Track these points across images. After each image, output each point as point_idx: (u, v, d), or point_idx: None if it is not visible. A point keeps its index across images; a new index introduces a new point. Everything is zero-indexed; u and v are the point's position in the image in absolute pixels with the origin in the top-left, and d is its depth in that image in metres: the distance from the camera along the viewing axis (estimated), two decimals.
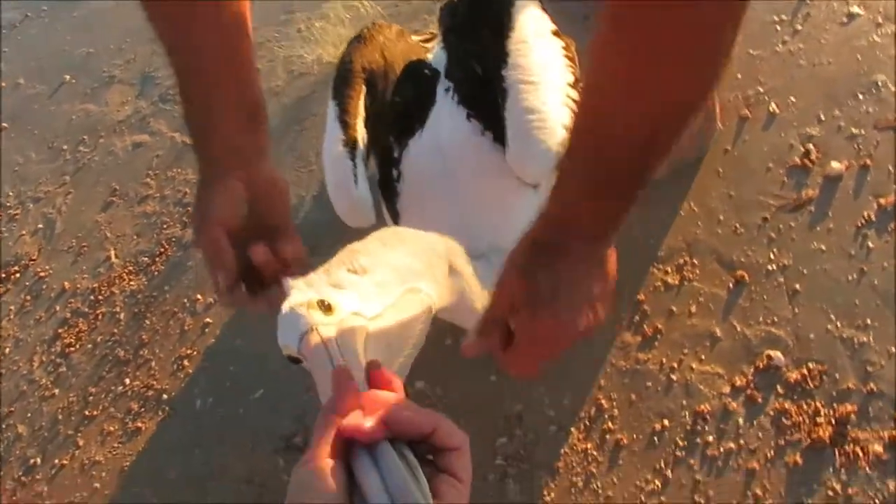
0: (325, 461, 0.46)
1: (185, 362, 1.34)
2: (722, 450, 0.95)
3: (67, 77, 2.09)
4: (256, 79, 0.70)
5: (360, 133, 1.09)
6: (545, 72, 0.98)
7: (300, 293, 0.76)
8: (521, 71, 0.97)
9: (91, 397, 1.37)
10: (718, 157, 1.19)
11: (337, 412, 0.49)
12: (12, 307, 1.59)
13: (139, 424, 1.30)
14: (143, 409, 1.31)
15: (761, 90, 1.25)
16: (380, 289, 0.76)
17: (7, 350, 1.51)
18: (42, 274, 1.62)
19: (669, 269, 1.11)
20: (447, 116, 1.01)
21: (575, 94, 1.05)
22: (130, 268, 1.54)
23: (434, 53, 1.32)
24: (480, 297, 0.91)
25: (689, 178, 1.19)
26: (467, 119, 0.98)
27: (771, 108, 1.22)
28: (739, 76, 1.27)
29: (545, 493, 0.99)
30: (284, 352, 0.72)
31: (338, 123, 1.09)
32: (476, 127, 0.98)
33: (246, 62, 0.69)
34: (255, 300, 0.71)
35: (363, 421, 0.47)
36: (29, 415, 1.40)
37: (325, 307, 0.71)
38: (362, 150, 1.08)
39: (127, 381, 1.36)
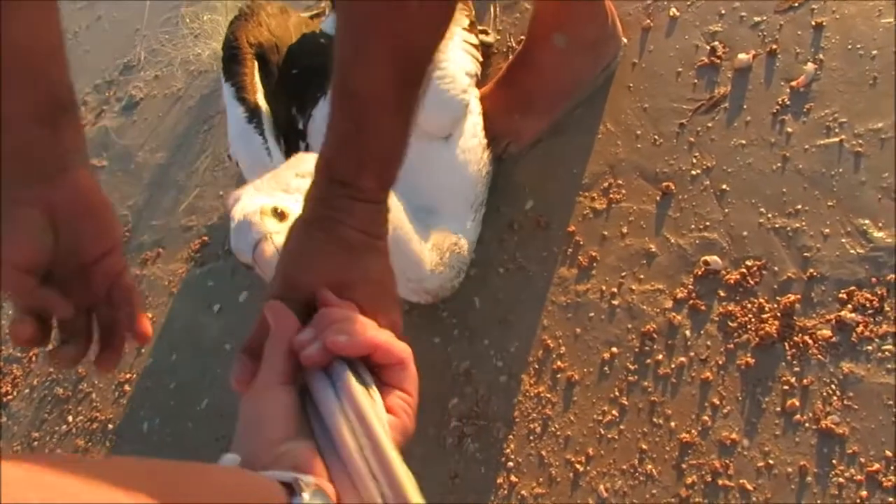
0: (276, 387, 0.45)
1: (126, 387, 1.28)
2: (673, 366, 0.91)
3: None
4: (63, 74, 0.57)
5: (263, 107, 1.06)
6: None
7: (251, 199, 0.76)
8: None
9: (36, 442, 1.30)
10: (627, 72, 1.15)
11: (279, 337, 0.48)
12: None
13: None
14: (90, 444, 1.25)
15: None
16: None
17: None
18: None
19: (595, 195, 1.07)
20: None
21: (472, 38, 1.00)
22: None
23: (327, 23, 1.27)
24: (417, 242, 0.87)
25: (601, 99, 1.14)
26: None
27: (671, 13, 1.17)
28: None
29: (504, 446, 0.95)
30: (239, 258, 0.72)
31: (237, 102, 1.06)
32: None
33: (50, 53, 0.56)
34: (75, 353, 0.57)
35: (313, 345, 0.46)
36: None
37: (279, 214, 0.73)
38: (269, 123, 1.05)
39: (70, 418, 1.30)
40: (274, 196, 0.75)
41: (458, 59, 0.96)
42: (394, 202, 0.82)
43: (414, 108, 0.53)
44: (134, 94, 1.72)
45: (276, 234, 0.70)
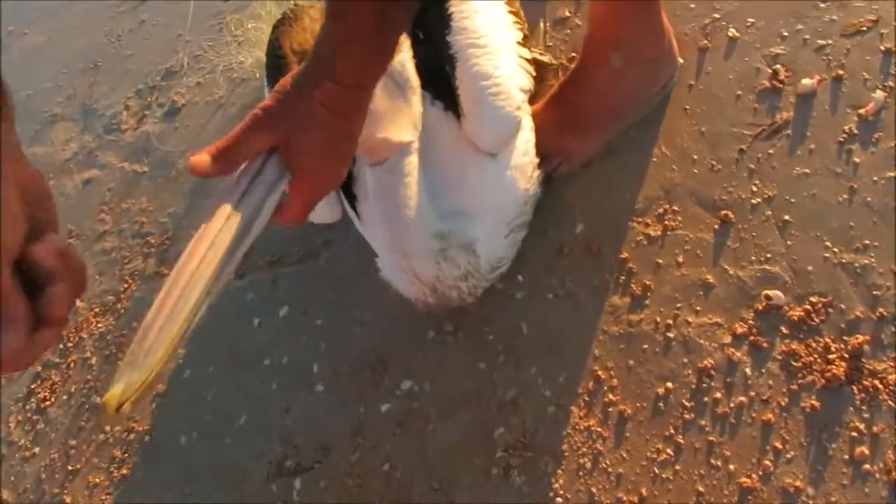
0: None
1: (163, 399, 1.27)
2: (732, 405, 0.88)
3: None
4: None
5: None
6: (493, 33, 0.91)
7: None
8: (468, 34, 0.91)
9: (73, 451, 1.30)
10: (683, 94, 1.12)
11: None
12: None
13: (125, 471, 1.23)
14: (126, 455, 1.24)
15: (717, 16, 1.17)
16: None
17: None
18: None
19: (650, 221, 1.04)
20: (387, 88, 0.93)
21: (527, 53, 0.98)
22: (96, 309, 1.47)
23: None
24: (410, 209, 0.85)
25: (655, 122, 1.11)
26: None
27: (730, 34, 1.14)
28: (693, 6, 1.19)
29: (552, 480, 0.92)
30: None
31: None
32: (427, 97, 0.90)
33: None
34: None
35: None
36: (12, 479, 1.33)
37: None
38: None
39: (107, 427, 1.29)
40: None
41: (512, 74, 0.93)
42: (413, 169, 0.83)
43: (395, 31, 0.65)
44: (176, 100, 1.72)
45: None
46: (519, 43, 0.98)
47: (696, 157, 1.06)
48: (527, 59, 0.98)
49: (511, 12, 1.00)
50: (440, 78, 0.91)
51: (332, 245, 1.28)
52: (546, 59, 1.22)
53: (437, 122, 0.92)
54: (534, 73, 1.01)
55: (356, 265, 1.22)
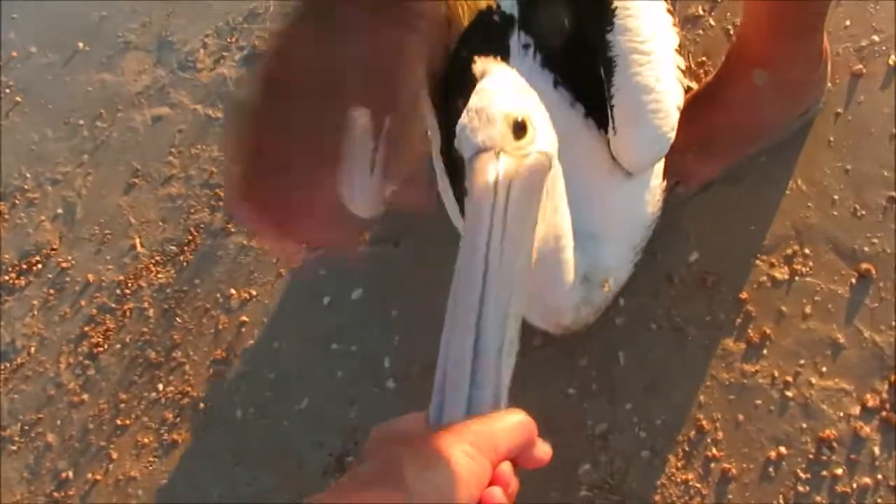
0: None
1: (222, 366, 1.22)
2: (855, 486, 0.80)
3: (81, 44, 1.93)
4: None
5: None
6: (657, 37, 0.81)
7: (502, 87, 0.66)
8: (633, 36, 0.81)
9: (122, 405, 1.26)
10: (828, 122, 1.01)
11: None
12: (35, 302, 1.48)
13: (175, 437, 1.19)
14: (178, 420, 1.20)
15: (877, 39, 1.05)
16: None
17: (32, 350, 1.41)
18: (64, 265, 1.50)
19: (776, 261, 0.95)
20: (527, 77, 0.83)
21: (682, 63, 0.88)
22: (157, 258, 1.42)
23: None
24: (569, 256, 0.77)
25: (794, 149, 1.01)
26: (554, 87, 0.82)
27: (891, 62, 1.03)
28: (848, 23, 1.08)
29: None
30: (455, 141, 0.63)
31: None
32: (565, 97, 0.82)
33: None
34: None
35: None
36: (58, 423, 1.30)
37: (520, 127, 0.61)
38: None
39: (160, 386, 1.25)
40: (528, 99, 0.65)
41: (671, 89, 0.84)
42: (561, 201, 0.73)
43: None
44: (257, 44, 1.64)
45: (506, 157, 0.59)
46: (675, 50, 0.88)
47: (836, 197, 0.96)
48: (682, 70, 0.89)
49: (669, 11, 0.89)
50: (586, 79, 0.82)
51: (413, 231, 1.20)
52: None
53: (573, 129, 0.83)
54: (686, 86, 0.91)
55: (440, 258, 1.14)
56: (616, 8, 0.80)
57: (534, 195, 0.61)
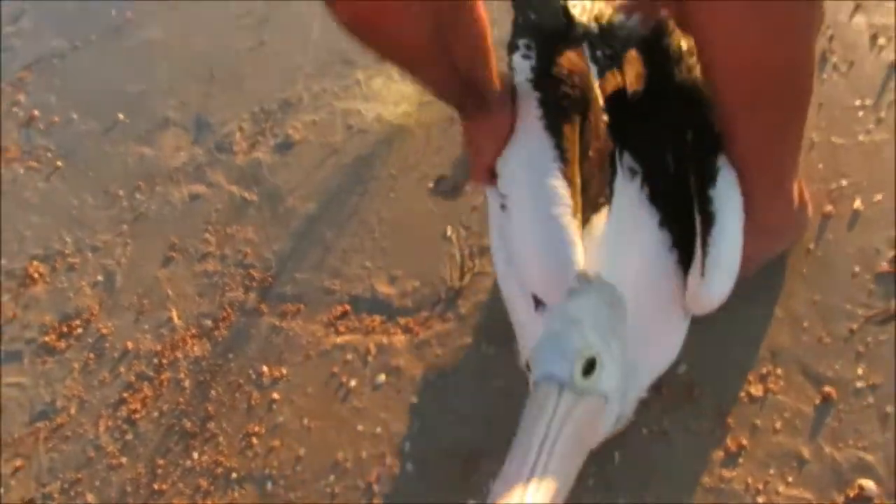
0: None
1: (254, 440, 1.34)
2: None
3: (121, 116, 2.09)
4: None
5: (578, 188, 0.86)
6: (738, 198, 0.90)
7: (577, 320, 0.69)
8: (732, 195, 0.88)
9: (159, 470, 1.38)
10: (802, 257, 1.17)
11: None
12: (76, 364, 1.61)
13: (209, 503, 1.31)
14: (212, 488, 1.32)
15: (845, 184, 1.21)
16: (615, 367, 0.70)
17: (72, 411, 1.53)
18: (104, 331, 1.63)
19: (753, 379, 1.10)
20: (631, 208, 0.87)
21: None
22: (193, 331, 1.55)
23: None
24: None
25: (773, 278, 1.16)
26: (660, 226, 0.87)
27: (855, 205, 1.19)
28: (821, 166, 1.24)
29: None
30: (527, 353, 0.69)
31: (552, 171, 0.84)
32: (667, 240, 0.87)
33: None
34: None
35: None
36: (97, 483, 1.41)
37: (590, 364, 0.67)
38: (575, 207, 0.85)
39: (195, 455, 1.37)
40: (604, 335, 0.67)
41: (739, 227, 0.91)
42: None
43: None
44: (290, 134, 1.79)
45: (570, 394, 0.63)
46: None
47: (806, 324, 1.11)
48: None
49: None
50: (684, 225, 0.87)
51: (432, 325, 1.34)
52: None
53: (665, 271, 0.88)
54: None
55: (461, 348, 1.28)
56: (721, 168, 0.88)
57: (583, 439, 0.65)
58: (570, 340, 0.65)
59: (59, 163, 2.06)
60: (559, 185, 0.82)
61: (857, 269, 1.13)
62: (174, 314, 1.59)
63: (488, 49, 0.84)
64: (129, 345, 1.58)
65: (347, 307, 1.44)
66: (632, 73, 0.91)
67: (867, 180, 1.20)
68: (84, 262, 1.79)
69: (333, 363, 1.37)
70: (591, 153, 0.85)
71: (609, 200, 0.86)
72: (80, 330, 1.65)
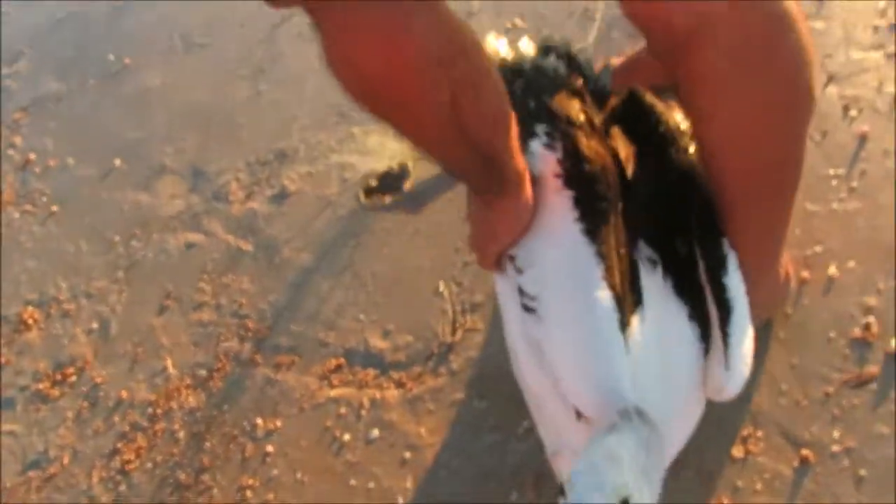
0: None
1: (248, 493, 1.37)
2: None
3: (118, 162, 2.12)
4: None
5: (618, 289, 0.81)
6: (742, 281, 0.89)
7: (619, 459, 0.67)
8: (740, 281, 0.87)
9: None
10: (780, 320, 1.22)
11: None
12: (69, 413, 1.62)
13: None
14: None
15: (819, 250, 1.28)
16: None
17: (66, 461, 1.55)
18: (98, 380, 1.65)
19: (734, 440, 1.14)
20: (663, 304, 0.84)
21: None
22: (188, 381, 1.57)
23: None
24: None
25: (754, 342, 1.21)
26: (689, 320, 0.84)
27: (830, 272, 1.25)
28: (798, 232, 1.30)
29: None
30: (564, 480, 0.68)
31: (601, 274, 0.79)
32: (696, 333, 0.84)
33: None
34: None
35: None
36: None
37: (623, 502, 0.66)
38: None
39: None
40: (639, 478, 0.67)
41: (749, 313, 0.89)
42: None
43: None
44: (286, 184, 1.83)
45: None
46: None
47: (785, 387, 1.16)
48: None
49: None
50: (706, 316, 0.86)
51: (425, 383, 1.38)
52: None
53: (696, 365, 0.88)
54: None
55: (454, 403, 1.32)
56: (729, 255, 0.86)
57: None
58: (607, 476, 0.66)
59: (54, 207, 2.09)
60: (606, 298, 0.78)
61: (832, 334, 1.19)
62: (169, 363, 1.61)
63: (509, 117, 0.77)
64: (124, 394, 1.60)
65: (342, 360, 1.47)
66: (623, 154, 0.90)
67: (841, 247, 1.27)
68: (79, 308, 1.81)
69: (327, 416, 1.40)
70: (621, 251, 0.81)
71: (640, 299, 0.82)
72: (74, 378, 1.67)
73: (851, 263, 1.24)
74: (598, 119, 0.92)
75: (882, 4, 1.54)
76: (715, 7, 0.73)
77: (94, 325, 1.76)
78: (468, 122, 0.71)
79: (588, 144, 0.86)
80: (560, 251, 0.84)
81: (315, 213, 1.75)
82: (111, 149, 2.18)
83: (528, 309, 0.83)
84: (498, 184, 0.81)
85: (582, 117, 0.90)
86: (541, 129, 0.88)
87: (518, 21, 1.89)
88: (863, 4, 1.56)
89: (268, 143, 1.95)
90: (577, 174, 0.84)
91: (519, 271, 0.86)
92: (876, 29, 1.51)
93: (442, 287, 1.48)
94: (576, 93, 0.96)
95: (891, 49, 1.46)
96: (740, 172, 0.90)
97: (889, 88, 1.41)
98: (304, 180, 1.83)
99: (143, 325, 1.71)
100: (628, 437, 0.71)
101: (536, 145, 0.87)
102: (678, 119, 0.93)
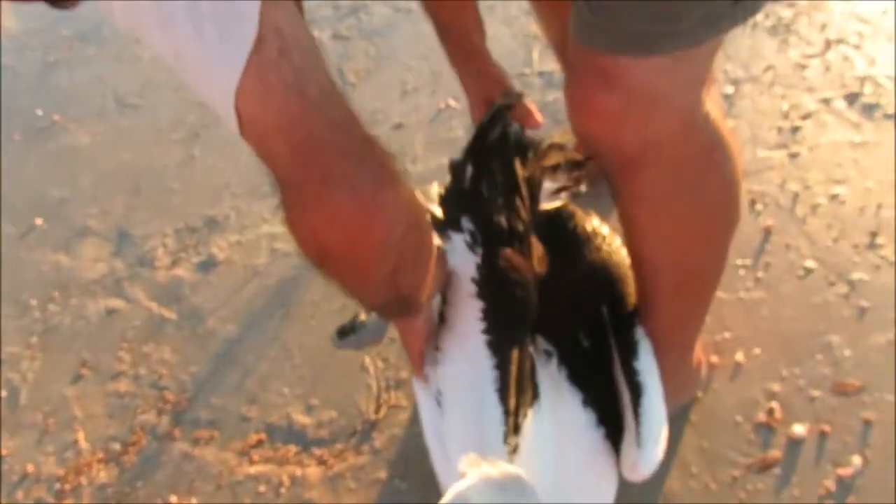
0: None
1: None
2: None
3: (39, 221, 2.07)
4: None
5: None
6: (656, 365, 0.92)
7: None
8: (652, 365, 0.90)
9: None
10: (691, 404, 1.28)
11: None
12: None
13: None
14: None
15: (728, 336, 1.35)
16: None
17: None
18: (3, 452, 1.57)
19: None
20: (555, 391, 0.87)
21: None
22: (100, 455, 1.51)
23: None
24: None
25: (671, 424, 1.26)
26: (583, 406, 0.88)
27: (737, 358, 1.31)
28: (708, 319, 1.36)
29: None
30: None
31: (496, 380, 0.83)
32: (592, 418, 0.88)
33: None
34: None
35: None
36: None
37: None
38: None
39: None
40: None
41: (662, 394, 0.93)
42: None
43: None
44: (215, 252, 1.82)
45: None
46: None
47: (695, 470, 1.21)
48: None
49: None
50: (606, 399, 0.89)
51: (347, 453, 1.37)
52: None
53: (594, 449, 0.90)
54: None
55: (375, 482, 1.31)
56: (639, 342, 0.91)
57: None
58: None
59: None
60: (494, 411, 0.81)
61: (738, 418, 1.25)
62: (81, 436, 1.55)
63: (433, 272, 0.84)
64: (30, 468, 1.52)
65: (263, 435, 1.45)
66: (534, 256, 0.94)
67: (747, 335, 1.34)
68: None
69: (245, 494, 1.37)
70: (525, 352, 0.85)
71: (536, 393, 0.85)
72: None
73: (757, 350, 1.31)
74: (521, 224, 0.96)
75: (786, 107, 1.67)
76: (663, 131, 0.78)
77: (3, 393, 1.68)
78: (402, 282, 0.77)
79: (506, 256, 0.89)
80: (464, 355, 0.88)
81: (242, 283, 1.74)
82: (33, 207, 2.12)
83: (438, 402, 0.88)
84: (406, 312, 0.88)
85: (505, 223, 0.93)
86: (466, 224, 0.92)
87: (452, 101, 1.96)
88: (769, 106, 1.69)
89: (198, 210, 1.94)
90: (490, 286, 0.88)
91: (435, 362, 0.90)
92: (780, 130, 1.63)
93: (367, 362, 1.49)
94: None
95: (794, 149, 1.59)
96: (669, 275, 0.96)
97: (791, 186, 1.52)
98: (234, 249, 1.82)
99: (56, 394, 1.65)
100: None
101: (459, 241, 0.92)
102: (594, 223, 0.99)
